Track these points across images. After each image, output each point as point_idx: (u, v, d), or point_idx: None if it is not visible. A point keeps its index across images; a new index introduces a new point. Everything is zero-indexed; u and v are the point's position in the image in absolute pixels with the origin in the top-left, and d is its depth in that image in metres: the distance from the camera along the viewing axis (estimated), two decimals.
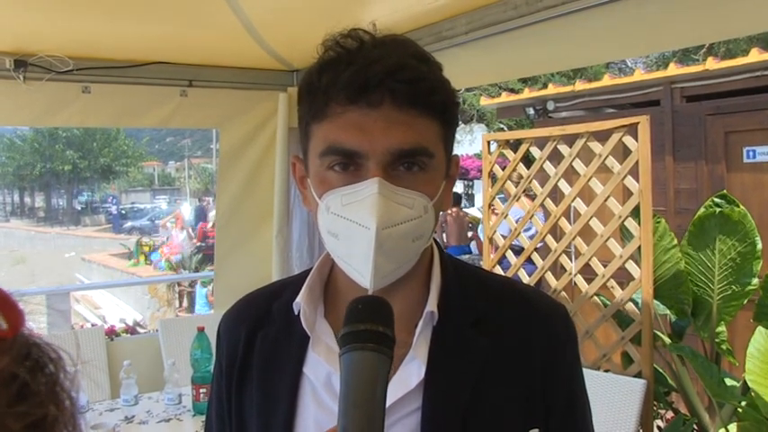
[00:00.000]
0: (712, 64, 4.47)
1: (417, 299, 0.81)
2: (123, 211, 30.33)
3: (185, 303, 9.77)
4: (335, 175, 0.75)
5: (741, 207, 2.68)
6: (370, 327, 0.64)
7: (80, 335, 3.41)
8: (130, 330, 5.51)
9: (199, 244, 13.86)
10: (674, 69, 4.74)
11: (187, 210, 15.06)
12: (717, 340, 2.75)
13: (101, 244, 21.79)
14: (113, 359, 3.23)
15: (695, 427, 2.69)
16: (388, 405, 0.74)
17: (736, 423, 2.57)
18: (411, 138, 0.73)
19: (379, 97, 0.72)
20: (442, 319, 0.79)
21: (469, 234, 8.26)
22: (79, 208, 35.16)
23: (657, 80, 4.84)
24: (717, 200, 2.76)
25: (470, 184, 19.92)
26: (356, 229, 0.72)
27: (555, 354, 0.81)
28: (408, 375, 0.77)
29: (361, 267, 0.74)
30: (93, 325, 6.83)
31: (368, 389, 0.61)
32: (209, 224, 10.79)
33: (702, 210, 2.74)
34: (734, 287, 2.64)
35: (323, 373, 0.79)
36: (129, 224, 26.93)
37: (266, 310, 0.87)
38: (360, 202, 0.72)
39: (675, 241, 2.74)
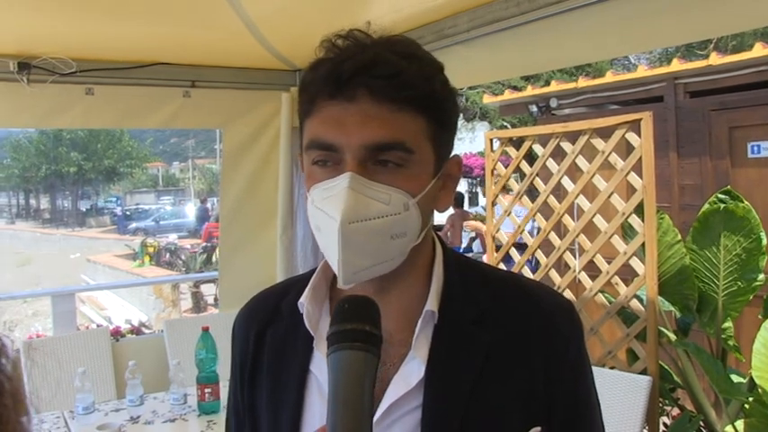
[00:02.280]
0: (716, 59, 4.45)
1: (418, 297, 0.81)
2: (128, 213, 30.42)
3: (190, 304, 9.79)
4: (319, 170, 0.76)
5: (746, 202, 2.67)
6: (356, 326, 0.64)
7: (86, 336, 3.42)
8: (136, 331, 5.52)
9: (204, 244, 13.91)
10: (677, 65, 4.72)
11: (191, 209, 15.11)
12: (723, 336, 2.74)
13: (106, 245, 21.85)
14: (119, 360, 3.24)
15: (702, 423, 2.68)
16: (389, 403, 0.75)
17: (743, 419, 2.56)
18: (386, 132, 0.73)
19: (353, 92, 0.73)
20: (442, 316, 0.78)
21: (473, 234, 8.25)
22: (84, 209, 35.26)
23: (661, 76, 4.82)
24: (721, 195, 2.75)
25: (474, 182, 19.90)
26: (328, 222, 0.73)
27: (557, 350, 0.80)
28: (409, 374, 0.77)
29: (333, 260, 0.75)
30: (98, 326, 6.85)
31: (355, 387, 0.61)
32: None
33: (707, 206, 2.73)
34: (739, 283, 2.63)
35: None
36: (133, 225, 27.00)
37: (276, 307, 0.88)
38: (333, 197, 0.73)
39: (679, 237, 2.74)
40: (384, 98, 0.72)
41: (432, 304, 0.78)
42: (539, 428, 0.76)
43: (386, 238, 0.74)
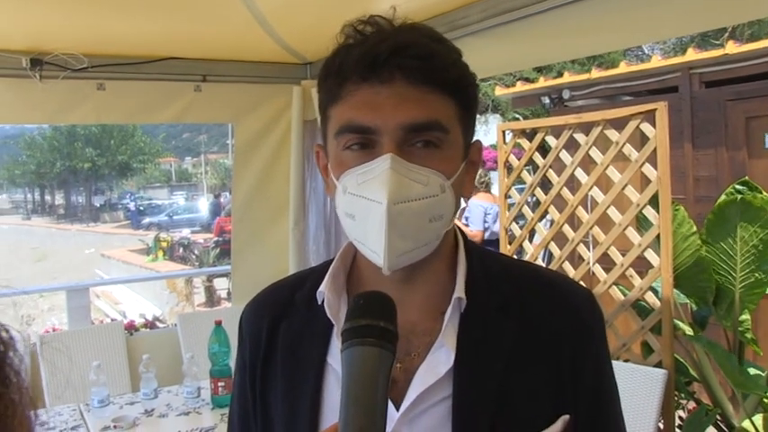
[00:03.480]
0: (732, 48, 4.38)
1: (443, 285, 0.80)
2: (141, 208, 30.64)
3: (203, 298, 9.86)
4: (352, 155, 0.75)
5: (764, 193, 2.63)
6: (371, 322, 0.63)
7: (100, 330, 3.45)
8: (149, 325, 5.56)
9: (216, 238, 14.01)
10: (692, 54, 4.65)
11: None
12: (740, 329, 2.71)
13: (120, 240, 22.04)
14: (133, 353, 3.27)
15: (718, 417, 2.65)
16: (417, 393, 0.74)
17: (761, 414, 2.53)
18: (423, 112, 0.73)
19: (389, 74, 0.72)
20: (469, 304, 0.78)
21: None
22: (98, 205, 35.57)
23: (675, 66, 4.75)
24: (738, 186, 2.71)
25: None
26: (370, 206, 0.72)
27: (582, 338, 0.80)
28: (437, 363, 0.76)
29: (375, 246, 0.73)
30: (112, 320, 6.91)
31: (368, 384, 0.60)
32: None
33: (723, 197, 2.69)
34: (757, 275, 2.59)
35: None
36: (147, 220, 27.19)
37: (289, 299, 0.86)
38: (373, 179, 0.72)
39: (695, 228, 2.70)
40: (418, 80, 0.72)
41: (460, 291, 0.78)
42: (567, 416, 0.75)
43: (425, 221, 0.74)
